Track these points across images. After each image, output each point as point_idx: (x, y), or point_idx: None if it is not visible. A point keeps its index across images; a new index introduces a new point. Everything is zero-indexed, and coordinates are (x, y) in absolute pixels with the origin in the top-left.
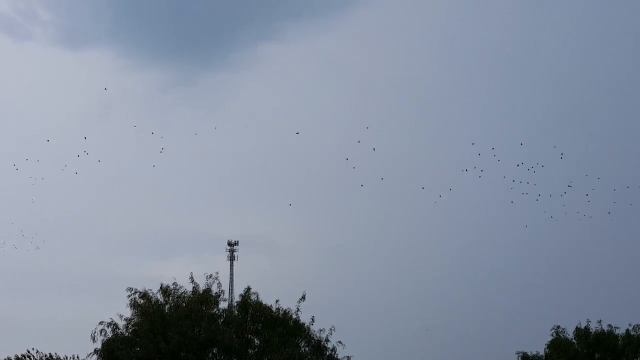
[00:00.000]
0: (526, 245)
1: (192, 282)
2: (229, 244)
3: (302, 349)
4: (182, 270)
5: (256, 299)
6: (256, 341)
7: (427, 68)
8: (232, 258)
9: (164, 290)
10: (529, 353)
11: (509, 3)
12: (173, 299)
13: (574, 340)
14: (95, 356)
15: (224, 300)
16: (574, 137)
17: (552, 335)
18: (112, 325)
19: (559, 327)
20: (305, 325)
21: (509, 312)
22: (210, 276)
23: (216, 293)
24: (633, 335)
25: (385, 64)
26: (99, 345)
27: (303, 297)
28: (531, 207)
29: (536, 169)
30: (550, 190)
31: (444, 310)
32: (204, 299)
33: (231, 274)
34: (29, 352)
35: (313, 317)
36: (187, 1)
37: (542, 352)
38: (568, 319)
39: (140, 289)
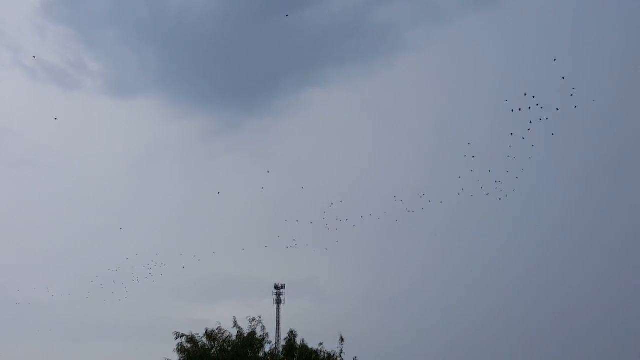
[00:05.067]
0: None
1: (235, 325)
2: (276, 287)
3: None
4: (229, 313)
5: (302, 342)
6: None
7: (469, 113)
8: (278, 302)
9: (209, 335)
10: None
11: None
12: (219, 343)
13: None
14: None
15: (269, 343)
16: None
17: None
18: None
19: None
20: None
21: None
22: (253, 319)
23: (261, 336)
24: None
25: (428, 108)
26: None
27: (342, 339)
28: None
29: None
30: None
31: (490, 347)
32: (249, 342)
33: (278, 317)
34: None
35: (355, 357)
36: (230, 49)
37: None
38: None
39: (186, 333)
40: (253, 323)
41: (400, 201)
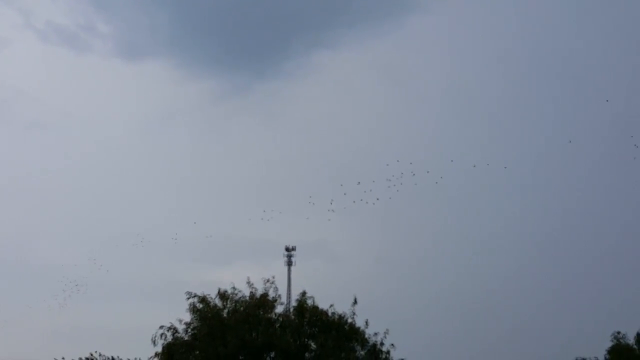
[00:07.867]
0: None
1: (250, 286)
2: (287, 249)
3: (358, 352)
4: (241, 275)
5: (312, 303)
6: (312, 345)
7: (480, 72)
8: (289, 263)
9: (222, 295)
10: (587, 359)
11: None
12: (231, 304)
13: (635, 346)
14: (156, 359)
15: (281, 304)
16: None
17: (612, 340)
18: (172, 330)
19: (619, 332)
20: (361, 329)
21: (568, 317)
22: (268, 280)
23: (273, 297)
24: None
25: (438, 69)
26: (159, 349)
27: (355, 301)
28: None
29: None
30: None
31: (495, 313)
32: (261, 303)
33: (289, 279)
34: (92, 355)
35: (367, 320)
36: (240, 12)
37: (602, 358)
38: (629, 325)
39: (199, 293)
40: (267, 284)
41: (410, 164)
